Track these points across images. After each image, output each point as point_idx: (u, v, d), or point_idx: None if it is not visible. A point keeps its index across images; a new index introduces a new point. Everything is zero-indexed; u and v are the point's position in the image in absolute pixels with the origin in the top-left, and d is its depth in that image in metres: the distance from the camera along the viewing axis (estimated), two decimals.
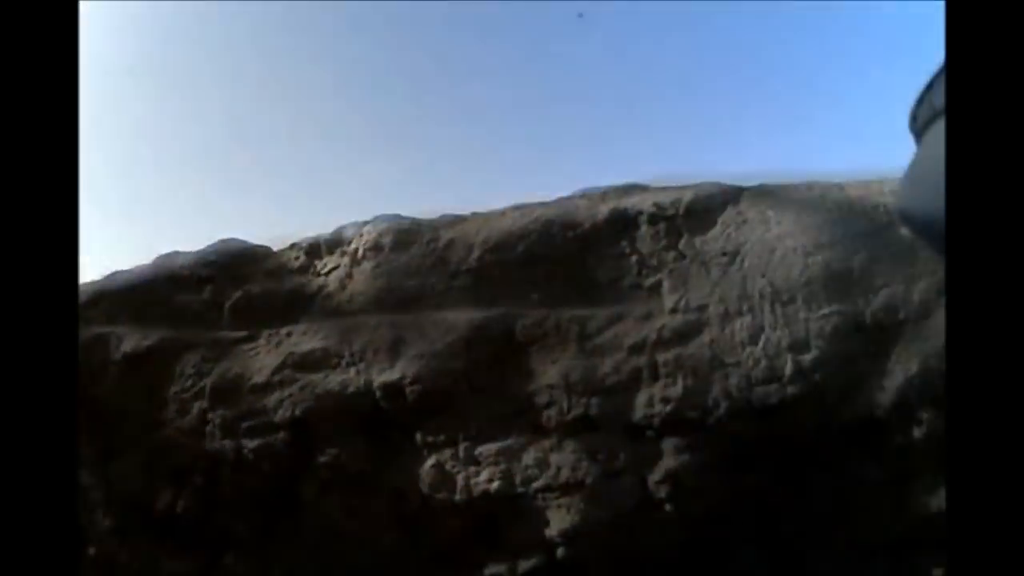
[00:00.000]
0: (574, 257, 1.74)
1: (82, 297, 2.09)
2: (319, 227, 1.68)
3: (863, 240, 1.73)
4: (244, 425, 1.38)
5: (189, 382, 1.51)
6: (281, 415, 1.29)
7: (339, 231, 1.69)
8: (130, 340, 1.66)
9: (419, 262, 1.50)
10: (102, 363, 1.69)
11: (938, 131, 0.54)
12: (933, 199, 0.50)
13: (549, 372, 1.58)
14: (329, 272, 1.57)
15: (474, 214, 1.70)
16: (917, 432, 1.65)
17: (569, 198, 1.89)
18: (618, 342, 1.64)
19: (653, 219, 1.79)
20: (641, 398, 1.62)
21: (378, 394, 1.20)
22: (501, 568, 1.51)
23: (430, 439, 1.33)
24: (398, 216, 1.68)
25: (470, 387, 1.46)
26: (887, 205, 1.76)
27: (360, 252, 1.58)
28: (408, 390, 1.15)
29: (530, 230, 1.66)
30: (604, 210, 1.81)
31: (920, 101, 0.61)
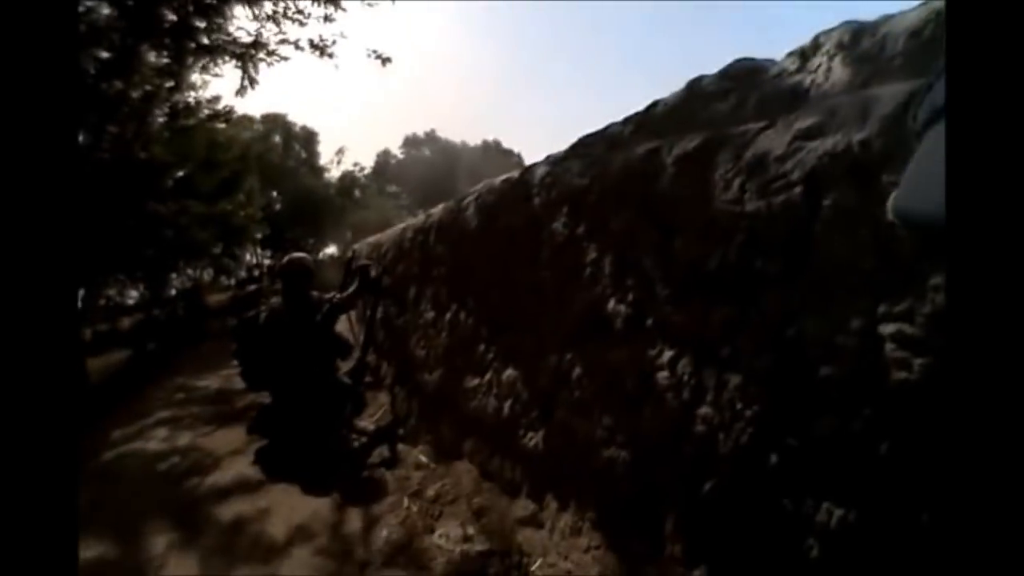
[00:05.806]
0: None
1: (629, 127, 2.75)
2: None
3: None
4: (772, 187, 1.86)
5: (729, 164, 2.03)
6: (796, 175, 1.76)
7: (815, 38, 2.20)
8: (679, 145, 2.26)
9: (869, 52, 1.96)
10: (656, 167, 2.33)
11: (938, 131, 0.54)
12: (933, 199, 0.50)
13: None
14: (816, 69, 2.13)
15: None
16: None
17: None
18: None
19: None
20: None
21: (855, 149, 1.60)
22: None
23: (894, 179, 1.62)
24: (852, 21, 2.15)
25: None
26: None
27: (831, 50, 2.11)
28: (874, 142, 1.56)
29: None
30: None
31: (921, 101, 0.60)
